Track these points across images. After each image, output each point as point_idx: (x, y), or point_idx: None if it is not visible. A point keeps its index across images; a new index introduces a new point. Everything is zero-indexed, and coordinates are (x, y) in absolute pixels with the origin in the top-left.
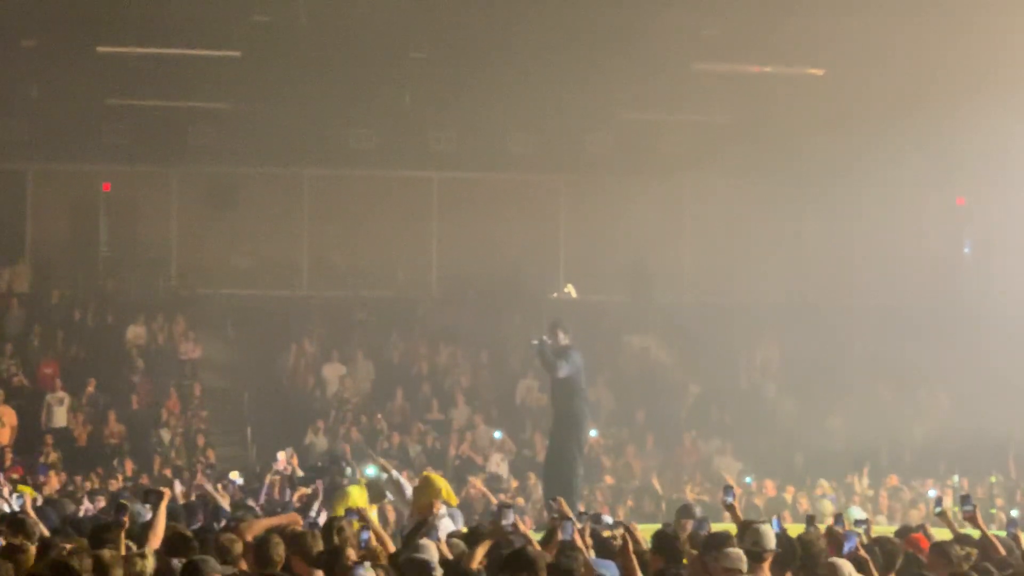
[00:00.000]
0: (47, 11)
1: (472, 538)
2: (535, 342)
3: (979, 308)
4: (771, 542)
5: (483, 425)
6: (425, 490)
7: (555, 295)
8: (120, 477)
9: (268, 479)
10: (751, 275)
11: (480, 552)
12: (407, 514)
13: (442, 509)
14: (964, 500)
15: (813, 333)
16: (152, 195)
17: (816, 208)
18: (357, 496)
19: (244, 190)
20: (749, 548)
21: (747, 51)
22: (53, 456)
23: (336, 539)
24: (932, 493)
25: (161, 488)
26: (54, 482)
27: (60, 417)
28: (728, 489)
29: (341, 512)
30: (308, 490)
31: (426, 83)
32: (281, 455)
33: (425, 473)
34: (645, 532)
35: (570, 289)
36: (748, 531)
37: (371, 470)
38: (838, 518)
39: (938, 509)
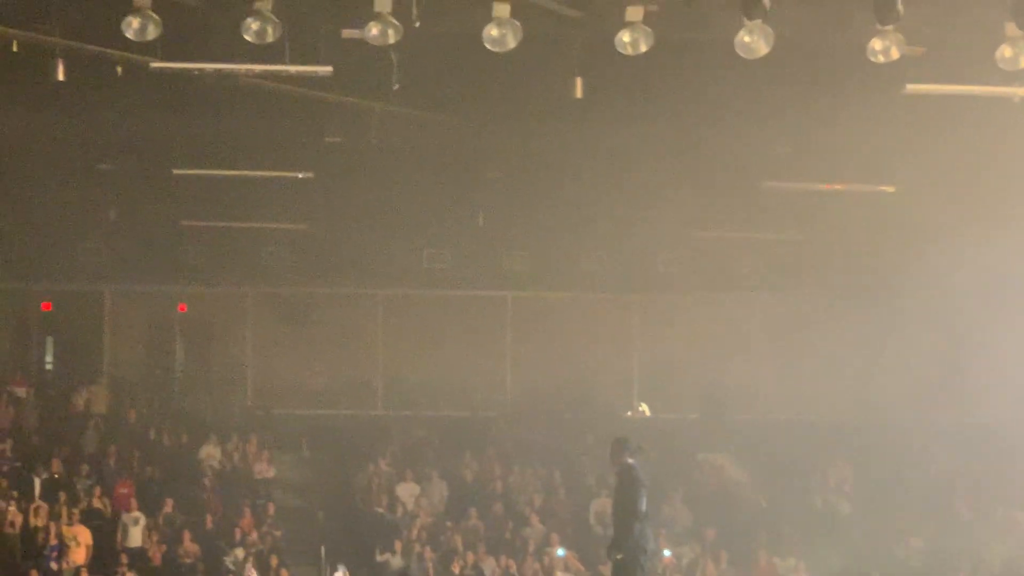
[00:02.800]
0: (123, 134)
1: None
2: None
3: None
4: None
5: (558, 544)
6: None
7: (629, 413)
8: None
9: None
10: (825, 392)
11: None
12: None
13: None
14: None
15: (888, 450)
16: (227, 315)
17: (891, 324)
18: None
19: (318, 310)
20: None
21: (817, 169)
22: None
23: None
24: None
25: None
26: None
27: (135, 537)
28: None
29: None
30: None
31: (499, 203)
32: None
33: None
34: None
35: (644, 407)
36: None
37: None
38: None
39: None
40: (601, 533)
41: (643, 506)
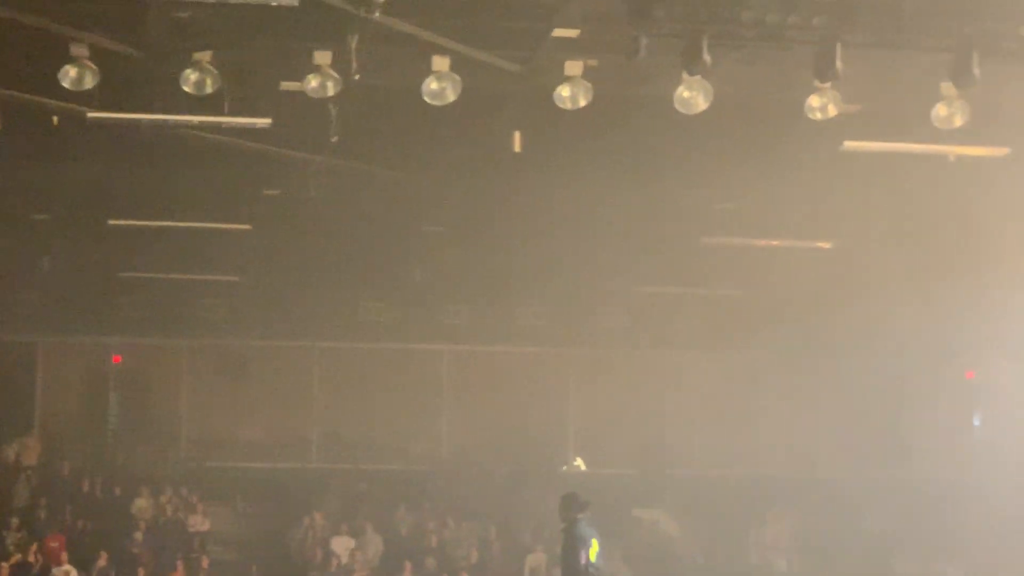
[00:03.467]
0: (59, 184)
1: None
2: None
3: (989, 481)
4: None
5: None
6: None
7: (565, 468)
8: None
9: None
10: (762, 449)
11: None
12: None
13: None
14: None
15: (825, 507)
16: (162, 367)
17: (828, 380)
18: None
19: (255, 363)
20: None
21: (756, 225)
22: None
23: None
24: None
25: None
26: None
27: None
28: None
29: None
30: None
31: (436, 256)
32: None
33: None
34: None
35: (580, 462)
36: None
37: None
38: None
39: None
40: None
41: (583, 560)
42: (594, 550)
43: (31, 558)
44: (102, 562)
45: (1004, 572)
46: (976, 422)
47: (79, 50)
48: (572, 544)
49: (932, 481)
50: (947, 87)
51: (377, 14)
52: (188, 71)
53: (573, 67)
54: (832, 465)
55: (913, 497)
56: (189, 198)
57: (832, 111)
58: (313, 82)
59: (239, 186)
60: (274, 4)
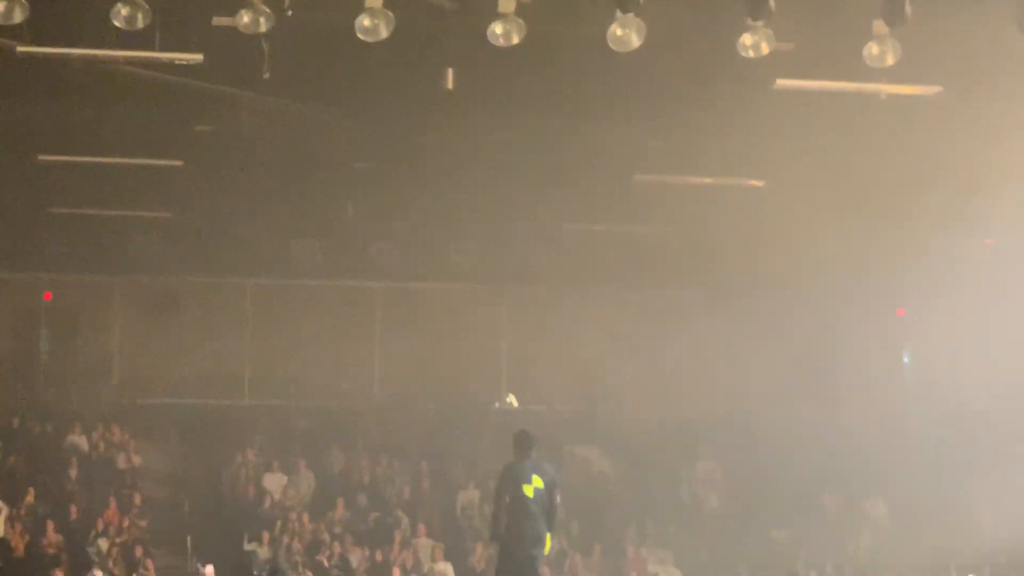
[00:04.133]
0: None
1: None
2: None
3: (920, 420)
4: None
5: (424, 536)
6: None
7: (497, 405)
8: None
9: None
10: (694, 387)
11: None
12: None
13: None
14: None
15: (754, 446)
16: (94, 304)
17: (757, 320)
18: None
19: (186, 300)
20: None
21: (688, 163)
22: None
23: None
24: None
25: None
26: None
27: None
28: None
29: None
30: None
31: (369, 193)
32: (208, 569)
33: None
34: None
35: (512, 399)
36: None
37: None
38: None
39: None
40: (466, 525)
41: (504, 498)
42: (530, 487)
43: None
44: (30, 498)
45: (928, 508)
46: (906, 359)
47: None
48: (499, 482)
49: (861, 418)
50: (879, 25)
51: None
52: (119, 5)
53: (507, 4)
54: (762, 402)
55: (842, 434)
56: (120, 134)
57: (764, 49)
58: (245, 17)
59: (170, 122)
60: None
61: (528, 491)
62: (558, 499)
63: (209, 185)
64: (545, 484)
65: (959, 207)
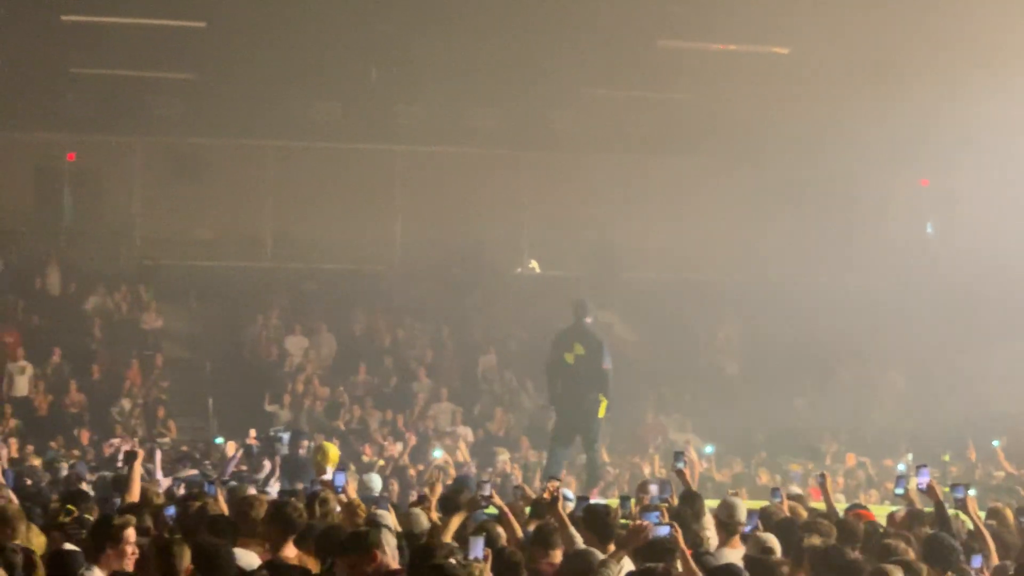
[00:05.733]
0: None
1: (447, 508)
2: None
3: (940, 290)
4: (742, 514)
5: (446, 400)
6: (320, 454)
7: (519, 270)
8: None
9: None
10: (714, 253)
11: (455, 523)
12: None
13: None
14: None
15: (775, 312)
16: (116, 165)
17: (780, 187)
18: (333, 450)
19: (208, 161)
20: (724, 520)
21: (712, 29)
22: (12, 424)
23: (319, 511)
24: (902, 467)
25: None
26: (12, 450)
27: (21, 386)
28: (679, 455)
29: (333, 460)
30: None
31: (391, 57)
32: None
33: (321, 443)
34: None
35: (534, 265)
36: (721, 505)
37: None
38: (775, 492)
39: (899, 490)
40: (486, 389)
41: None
42: (571, 355)
43: None
44: (56, 358)
45: (950, 379)
46: (929, 230)
47: None
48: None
49: (882, 287)
50: None
51: None
52: None
53: None
54: (783, 270)
55: (863, 304)
56: None
57: None
58: None
59: None
60: None
61: (569, 358)
62: (605, 364)
63: (231, 47)
64: (587, 351)
65: (986, 79)
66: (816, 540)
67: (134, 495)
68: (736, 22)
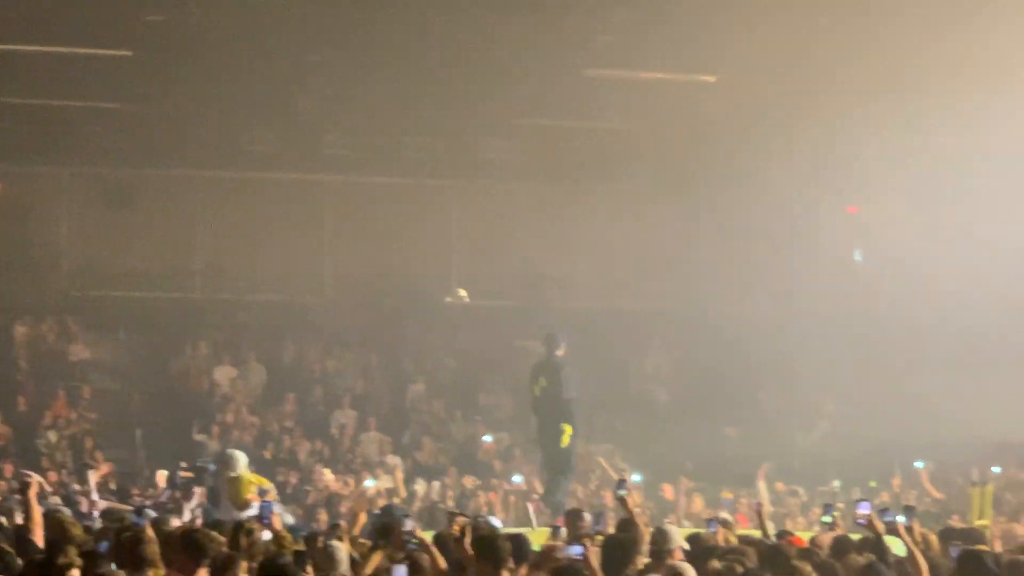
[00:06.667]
0: None
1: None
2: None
3: (869, 317)
4: (675, 542)
5: (374, 430)
6: (240, 487)
7: (448, 299)
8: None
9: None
10: (643, 281)
11: (375, 560)
12: None
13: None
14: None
15: (704, 340)
16: (44, 195)
17: (709, 215)
18: (253, 479)
19: (138, 191)
20: (656, 547)
21: (640, 58)
22: None
23: (244, 541)
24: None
25: (29, 475)
26: None
27: None
28: (622, 483)
29: (250, 493)
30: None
31: (322, 86)
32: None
33: (237, 473)
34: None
35: (463, 294)
36: (655, 532)
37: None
38: (710, 522)
39: (827, 517)
40: (415, 419)
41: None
42: (537, 386)
43: None
44: None
45: (877, 405)
46: (858, 257)
47: None
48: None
49: (812, 315)
50: None
51: None
52: None
53: None
54: (712, 298)
55: (792, 331)
56: (70, 22)
57: None
58: None
59: (120, 11)
60: None
61: (536, 390)
62: (566, 395)
63: (160, 76)
64: (550, 383)
65: (915, 106)
66: (717, 564)
67: (34, 523)
68: (663, 50)
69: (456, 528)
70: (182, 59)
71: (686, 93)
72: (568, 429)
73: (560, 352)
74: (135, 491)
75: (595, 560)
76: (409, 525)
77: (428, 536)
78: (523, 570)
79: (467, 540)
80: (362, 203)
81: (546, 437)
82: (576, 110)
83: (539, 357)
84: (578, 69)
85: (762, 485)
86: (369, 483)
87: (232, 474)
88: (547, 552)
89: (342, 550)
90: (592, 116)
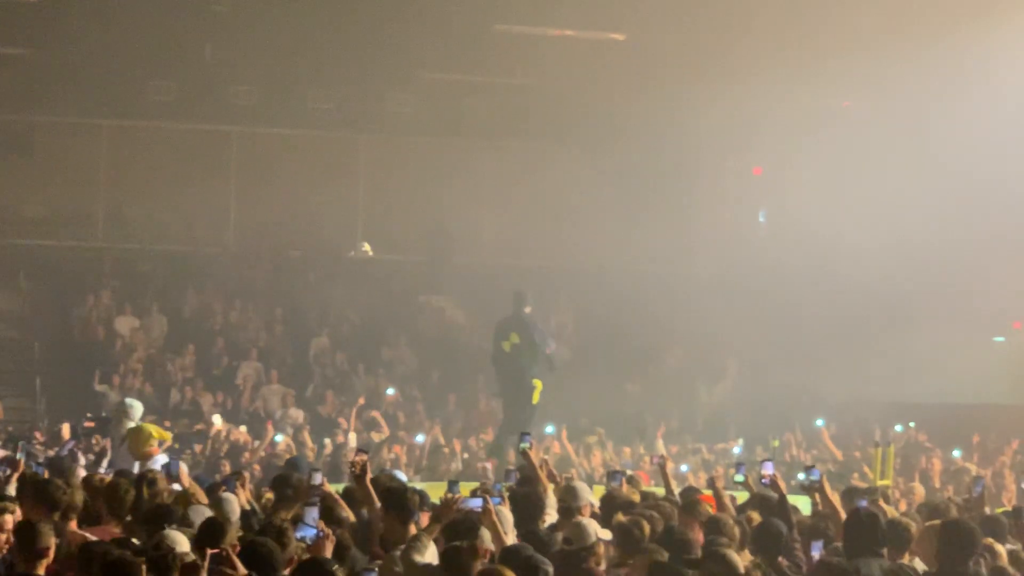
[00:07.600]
0: None
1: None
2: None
3: (771, 277)
4: (584, 498)
5: (276, 383)
6: (140, 438)
7: (352, 253)
8: None
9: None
10: (547, 239)
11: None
12: None
13: (161, 453)
14: (738, 467)
15: (607, 298)
16: None
17: (614, 173)
18: (154, 431)
19: (40, 138)
20: (565, 504)
21: (549, 14)
22: None
23: (147, 492)
24: (737, 451)
25: None
26: None
27: None
28: (525, 436)
29: (150, 445)
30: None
31: (227, 36)
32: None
33: (137, 425)
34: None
35: (367, 248)
36: (565, 488)
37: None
38: (614, 475)
39: (739, 476)
40: (319, 372)
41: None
42: (507, 343)
43: None
44: None
45: (771, 364)
46: (761, 218)
47: None
48: None
49: (715, 275)
50: None
51: None
52: None
53: None
54: (615, 256)
55: (695, 290)
56: None
57: None
58: None
59: None
60: None
61: (506, 347)
62: (548, 349)
63: (65, 23)
64: (522, 339)
65: (821, 68)
66: (621, 517)
67: None
68: (573, 7)
69: (356, 467)
70: (85, 6)
71: (594, 50)
72: (539, 385)
73: (528, 309)
74: (38, 436)
75: (499, 515)
76: (317, 479)
77: (336, 489)
78: (424, 519)
79: (367, 478)
80: (267, 155)
81: (513, 393)
82: (484, 65)
83: (504, 314)
84: (487, 24)
85: (660, 444)
86: (279, 438)
87: (130, 424)
88: (447, 504)
89: (233, 501)
90: (500, 72)
